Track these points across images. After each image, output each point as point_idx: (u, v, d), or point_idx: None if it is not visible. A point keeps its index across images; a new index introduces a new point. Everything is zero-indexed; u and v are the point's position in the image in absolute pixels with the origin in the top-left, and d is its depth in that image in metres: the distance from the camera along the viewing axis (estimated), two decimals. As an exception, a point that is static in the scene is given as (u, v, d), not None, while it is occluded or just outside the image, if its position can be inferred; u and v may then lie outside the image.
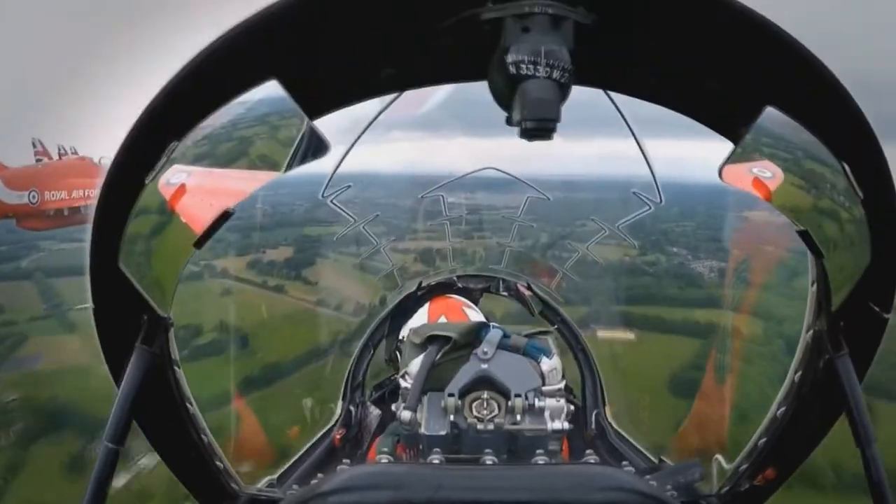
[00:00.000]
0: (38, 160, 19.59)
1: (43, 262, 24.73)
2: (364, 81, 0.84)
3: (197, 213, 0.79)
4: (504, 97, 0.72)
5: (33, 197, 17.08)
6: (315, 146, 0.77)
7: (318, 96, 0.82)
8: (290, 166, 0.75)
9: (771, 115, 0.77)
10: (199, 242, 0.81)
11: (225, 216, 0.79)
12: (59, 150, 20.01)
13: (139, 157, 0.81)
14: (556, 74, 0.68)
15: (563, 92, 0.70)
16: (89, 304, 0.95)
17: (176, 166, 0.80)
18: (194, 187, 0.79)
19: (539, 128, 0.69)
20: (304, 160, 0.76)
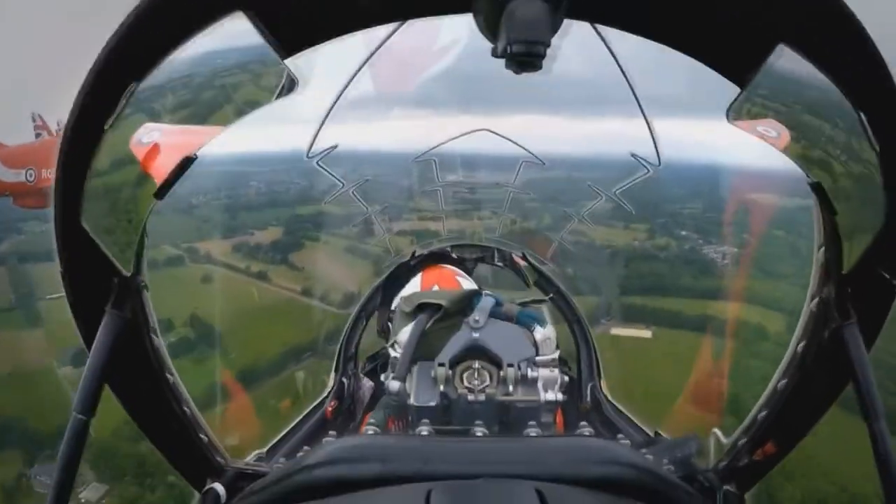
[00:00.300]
0: (37, 135, 19.37)
1: (21, 247, 22.94)
2: (341, 13, 0.77)
3: (157, 161, 0.73)
4: (491, 25, 0.64)
5: (30, 175, 16.81)
6: (287, 87, 0.70)
7: (291, 30, 0.75)
8: (258, 106, 0.69)
9: (783, 55, 0.70)
10: (160, 193, 0.75)
11: (186, 163, 0.73)
12: (58, 125, 19.81)
13: (100, 101, 0.74)
14: None
15: (555, 16, 0.62)
16: (59, 270, 0.89)
17: (142, 121, 0.73)
18: (154, 134, 0.73)
19: (527, 52, 0.61)
20: (275, 98, 0.70)
